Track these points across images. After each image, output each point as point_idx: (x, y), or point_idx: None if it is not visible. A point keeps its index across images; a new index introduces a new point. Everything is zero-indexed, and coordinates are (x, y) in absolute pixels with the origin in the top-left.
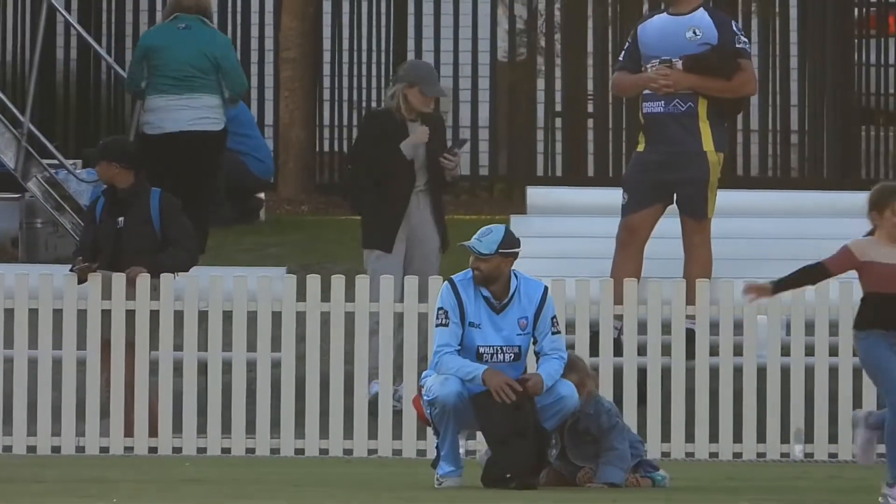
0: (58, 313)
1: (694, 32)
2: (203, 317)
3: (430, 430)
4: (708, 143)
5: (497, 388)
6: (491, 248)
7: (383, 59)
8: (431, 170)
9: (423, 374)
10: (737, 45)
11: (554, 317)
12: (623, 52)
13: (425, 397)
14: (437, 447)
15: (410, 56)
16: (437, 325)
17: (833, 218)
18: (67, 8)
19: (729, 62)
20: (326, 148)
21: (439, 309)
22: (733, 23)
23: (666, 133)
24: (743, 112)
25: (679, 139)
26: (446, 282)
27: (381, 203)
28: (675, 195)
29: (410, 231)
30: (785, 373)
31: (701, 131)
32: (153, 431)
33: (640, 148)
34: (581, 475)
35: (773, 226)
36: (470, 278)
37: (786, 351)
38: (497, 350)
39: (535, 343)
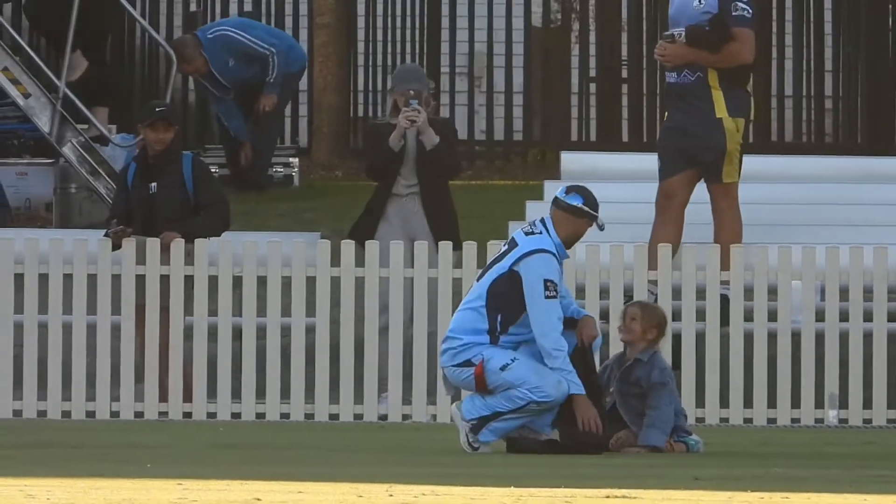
0: (92, 278)
1: (699, 1)
2: (237, 282)
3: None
4: (721, 110)
5: (587, 420)
6: (603, 224)
7: (417, 25)
8: (422, 170)
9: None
10: (732, 14)
11: None
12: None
13: (533, 395)
14: (486, 416)
15: (445, 21)
16: (547, 297)
17: (867, 183)
18: None
19: (722, 32)
20: (360, 113)
21: (549, 282)
22: None
23: (681, 102)
24: (777, 77)
25: (693, 108)
26: (548, 254)
27: (372, 199)
28: (697, 161)
29: (408, 236)
30: (819, 338)
31: (713, 99)
32: (187, 396)
33: (666, 116)
34: (615, 441)
35: (807, 191)
36: (551, 243)
37: (820, 316)
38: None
39: None
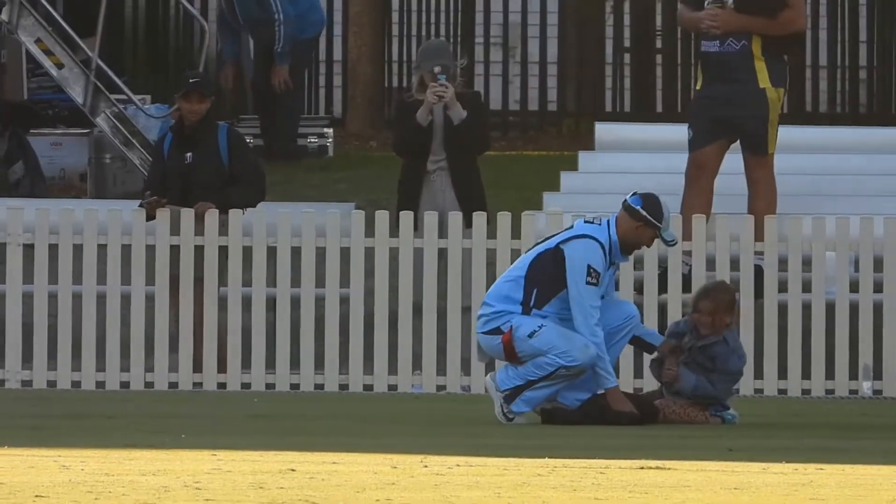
0: (126, 249)
1: None
2: (272, 252)
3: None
4: (765, 80)
5: (622, 417)
6: (675, 240)
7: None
8: (450, 145)
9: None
10: None
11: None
12: None
13: (561, 360)
14: (519, 385)
15: None
16: (588, 283)
17: None
18: None
19: None
20: (395, 83)
21: (592, 269)
22: None
23: (723, 71)
24: (811, 47)
25: (736, 77)
26: (596, 243)
27: (404, 181)
28: (735, 131)
29: (440, 215)
30: (854, 309)
31: (756, 69)
32: (222, 367)
33: (699, 86)
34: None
35: (841, 162)
36: (607, 238)
37: (854, 287)
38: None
39: None
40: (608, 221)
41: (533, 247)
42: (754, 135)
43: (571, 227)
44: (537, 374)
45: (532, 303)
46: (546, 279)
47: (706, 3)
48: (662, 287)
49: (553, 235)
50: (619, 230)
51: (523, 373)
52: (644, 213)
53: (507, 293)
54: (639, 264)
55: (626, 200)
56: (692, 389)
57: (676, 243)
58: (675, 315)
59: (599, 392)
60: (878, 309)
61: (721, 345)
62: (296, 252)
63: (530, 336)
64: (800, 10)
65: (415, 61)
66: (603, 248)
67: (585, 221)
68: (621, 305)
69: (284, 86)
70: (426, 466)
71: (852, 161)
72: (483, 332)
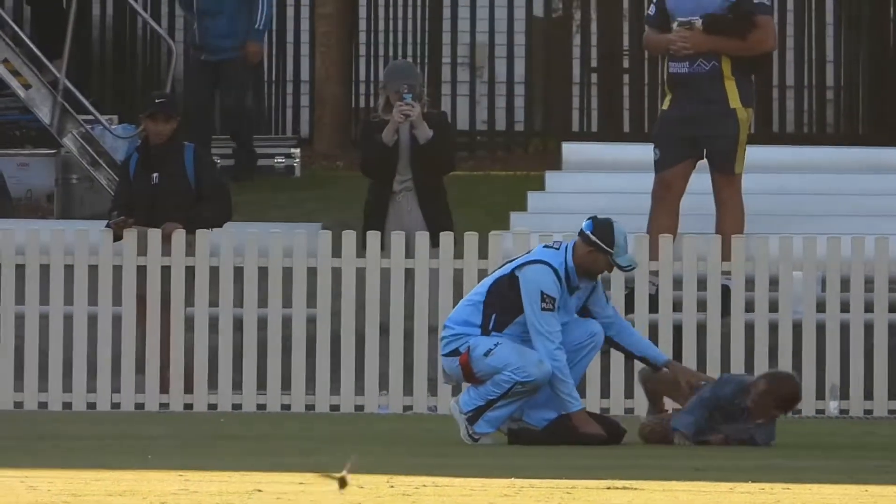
0: (93, 269)
1: None
2: (238, 273)
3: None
4: (735, 101)
5: (589, 438)
6: (635, 265)
7: (419, 14)
8: (416, 165)
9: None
10: (754, 1)
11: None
12: (652, 7)
13: (516, 376)
14: (480, 406)
15: (446, 11)
16: (543, 309)
17: (868, 174)
18: None
19: (745, 20)
20: (362, 104)
21: (546, 294)
22: None
23: (693, 92)
24: (778, 67)
25: (706, 98)
26: (548, 268)
27: (370, 202)
28: (704, 151)
29: (407, 235)
30: (820, 329)
31: (727, 89)
32: (189, 387)
33: (666, 105)
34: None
35: (808, 181)
36: (562, 264)
37: (821, 307)
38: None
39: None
40: (567, 246)
41: (496, 269)
42: (723, 155)
43: (531, 251)
44: (495, 392)
45: (491, 327)
46: (504, 304)
47: (674, 25)
48: (629, 307)
49: (513, 259)
50: (575, 255)
51: (483, 392)
52: (594, 238)
53: (467, 317)
54: (606, 284)
55: (582, 226)
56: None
57: (633, 268)
58: (641, 333)
59: (565, 412)
60: (844, 329)
61: (758, 429)
62: (263, 272)
63: (486, 355)
64: (769, 30)
65: (381, 81)
66: (556, 273)
67: (545, 246)
68: (585, 324)
69: (258, 60)
70: (392, 487)
71: (819, 181)
72: (444, 355)
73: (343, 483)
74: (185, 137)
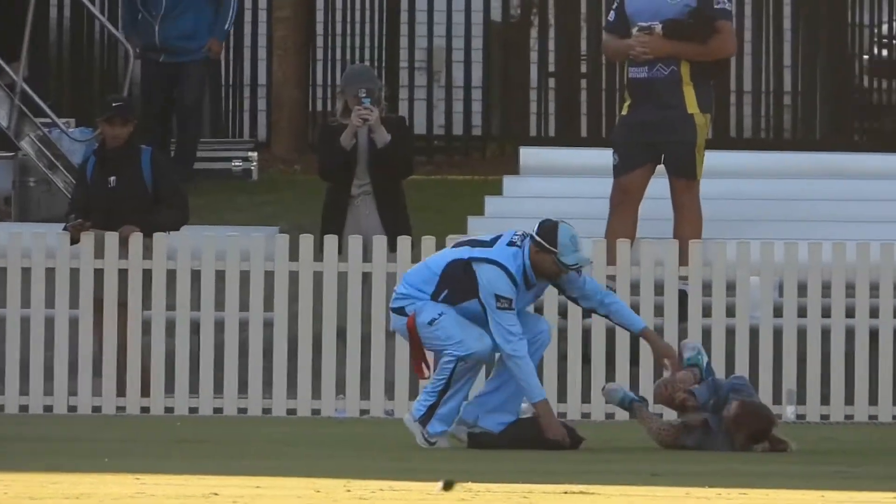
0: (50, 272)
1: None
2: (196, 276)
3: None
4: (693, 106)
5: (555, 435)
6: (584, 261)
7: (377, 18)
8: (374, 169)
9: (426, 308)
10: (715, 6)
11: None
12: (612, 13)
13: (456, 351)
14: (431, 405)
15: (404, 16)
16: (499, 309)
17: (825, 179)
18: None
19: (706, 25)
20: (320, 107)
21: (500, 297)
22: None
23: (651, 97)
24: (735, 72)
25: (664, 103)
26: (500, 270)
27: (328, 205)
28: (662, 156)
29: (365, 239)
30: (777, 334)
31: (685, 94)
32: (145, 391)
33: (625, 111)
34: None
35: (765, 187)
36: (520, 266)
37: (778, 312)
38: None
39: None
40: (526, 246)
41: (458, 244)
42: (682, 160)
43: (500, 236)
44: (441, 379)
45: (440, 300)
46: (456, 286)
47: (634, 30)
48: (586, 312)
49: (476, 241)
50: (530, 257)
51: (430, 388)
52: (538, 239)
53: (422, 285)
54: None
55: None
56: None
57: (581, 266)
58: (598, 339)
59: (524, 416)
60: (801, 334)
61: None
62: (220, 276)
63: (430, 324)
64: (730, 35)
65: (339, 85)
66: (511, 275)
67: (509, 242)
68: (534, 322)
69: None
70: (349, 490)
71: (776, 186)
72: (392, 309)
73: (448, 485)
74: (143, 141)
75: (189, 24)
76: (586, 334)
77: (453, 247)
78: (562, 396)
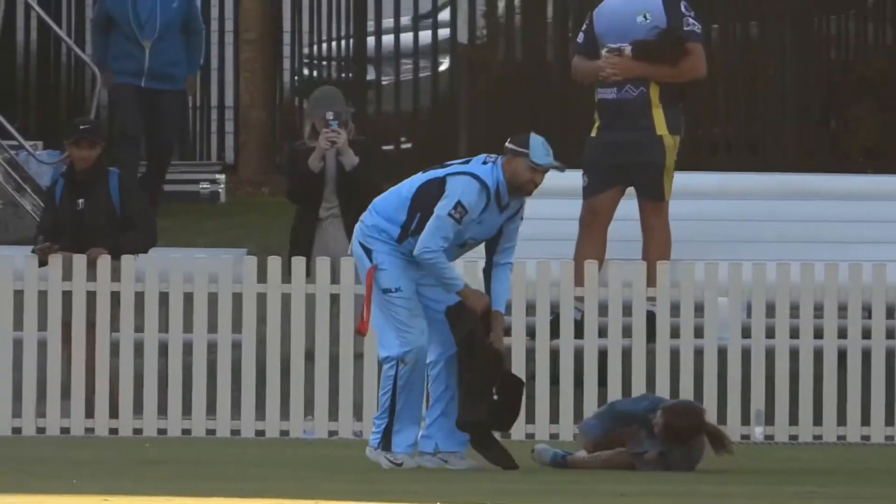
0: (18, 294)
1: (644, 16)
2: (164, 298)
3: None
4: (662, 128)
5: (481, 308)
6: (555, 164)
7: (343, 41)
8: (342, 192)
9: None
10: (685, 28)
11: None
12: (581, 35)
13: (390, 352)
14: (385, 427)
15: (370, 39)
16: (449, 215)
17: (794, 200)
18: None
19: (677, 47)
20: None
21: (461, 204)
22: (683, 4)
23: (620, 119)
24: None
25: (633, 124)
26: (476, 182)
27: (296, 228)
28: (631, 178)
29: (332, 261)
30: (746, 355)
31: (654, 116)
32: (114, 412)
33: (594, 132)
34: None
35: (735, 208)
36: (494, 180)
37: (746, 333)
38: (478, 242)
39: (499, 236)
40: (499, 161)
41: (431, 169)
42: (651, 182)
43: (469, 161)
44: (385, 393)
45: (412, 228)
46: (430, 205)
47: (603, 51)
48: (555, 332)
49: (450, 164)
50: (506, 170)
51: (378, 413)
52: (510, 145)
53: (393, 213)
54: (531, 309)
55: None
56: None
57: (556, 166)
58: (566, 360)
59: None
60: (770, 354)
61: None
62: (188, 298)
63: (384, 292)
64: (700, 57)
65: (307, 108)
66: (485, 187)
67: (483, 162)
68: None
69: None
70: None
71: (745, 207)
72: (359, 240)
73: None
74: (113, 163)
75: (177, 52)
76: (554, 354)
77: (424, 172)
78: (530, 417)
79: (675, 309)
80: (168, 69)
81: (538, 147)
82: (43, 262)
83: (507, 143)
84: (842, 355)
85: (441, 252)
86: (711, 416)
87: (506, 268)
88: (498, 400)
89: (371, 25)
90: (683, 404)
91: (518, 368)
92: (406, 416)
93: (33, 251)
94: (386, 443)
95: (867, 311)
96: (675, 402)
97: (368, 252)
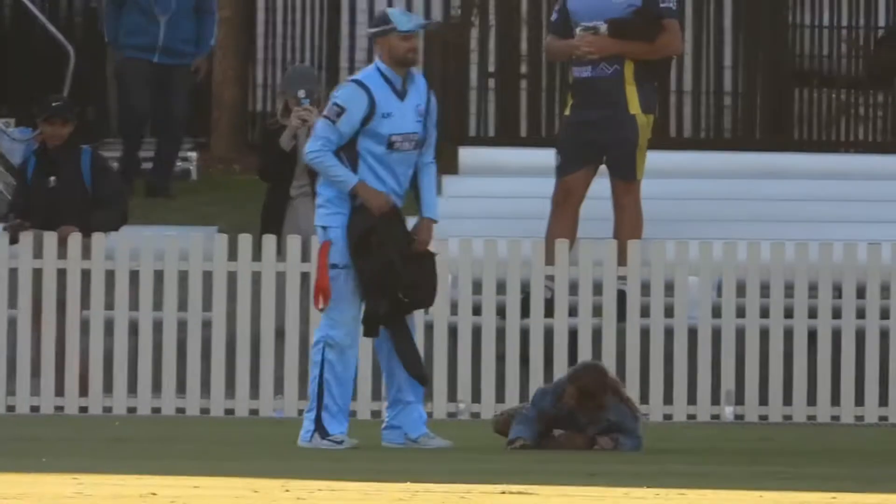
0: None
1: None
2: (134, 276)
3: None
4: (635, 106)
5: (378, 208)
6: (421, 23)
7: (317, 19)
8: (313, 170)
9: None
10: (661, 5)
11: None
12: (555, 14)
13: (320, 335)
14: (315, 418)
15: (345, 15)
16: (324, 117)
17: (765, 179)
18: None
19: (653, 24)
20: (259, 107)
21: (336, 105)
22: None
23: (594, 97)
24: (676, 72)
25: (607, 102)
26: (353, 83)
27: (267, 206)
28: (604, 157)
29: (303, 239)
30: (716, 334)
31: (627, 94)
32: (84, 391)
33: (568, 111)
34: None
35: (705, 187)
36: (373, 73)
37: (717, 312)
38: (404, 137)
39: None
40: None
41: None
42: (623, 160)
43: None
44: (313, 379)
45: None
46: None
47: (578, 30)
48: (525, 312)
49: None
50: (384, 56)
51: (308, 405)
52: (372, 30)
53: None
54: (501, 289)
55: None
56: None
57: (424, 24)
58: (536, 340)
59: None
60: (740, 334)
61: (609, 426)
62: (158, 276)
63: (331, 267)
64: (676, 34)
65: (280, 86)
66: (358, 82)
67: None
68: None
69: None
70: (287, 491)
71: (716, 186)
72: (319, 209)
73: None
74: (115, 138)
75: (191, 29)
76: (524, 334)
77: None
78: (500, 397)
79: (645, 288)
80: (181, 45)
81: (398, 16)
82: (14, 240)
83: (368, 30)
84: (812, 335)
85: (322, 152)
86: (681, 397)
87: (429, 167)
88: (406, 299)
89: (345, 3)
90: (583, 365)
91: (488, 348)
92: (338, 398)
93: (4, 229)
94: (321, 430)
95: (837, 291)
96: (578, 365)
97: (322, 216)
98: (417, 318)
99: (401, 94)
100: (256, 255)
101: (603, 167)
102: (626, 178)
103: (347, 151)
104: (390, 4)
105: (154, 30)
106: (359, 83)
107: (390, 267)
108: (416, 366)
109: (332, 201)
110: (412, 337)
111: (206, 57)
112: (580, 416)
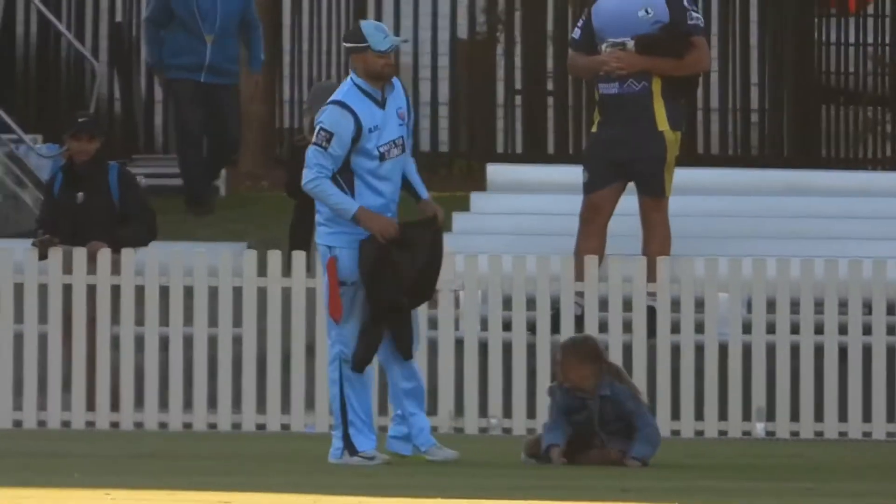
0: (18, 288)
1: (646, 11)
2: (164, 292)
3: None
4: (663, 123)
5: (381, 231)
6: (396, 41)
7: (342, 36)
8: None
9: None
10: (689, 23)
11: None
12: (577, 31)
13: (333, 350)
14: (343, 435)
15: None
16: (315, 144)
17: (792, 196)
18: None
19: (681, 40)
20: (286, 124)
21: (323, 130)
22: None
23: (622, 113)
24: (703, 90)
25: (635, 119)
26: (334, 104)
27: (296, 222)
28: (632, 173)
29: None
30: (746, 351)
31: (655, 111)
32: (115, 406)
33: (595, 127)
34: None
35: (733, 204)
36: (351, 89)
37: (747, 329)
38: (392, 144)
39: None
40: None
41: None
42: (651, 177)
43: None
44: (334, 394)
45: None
46: None
47: (604, 46)
48: (555, 328)
49: None
50: (356, 70)
51: (335, 422)
52: (346, 44)
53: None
54: (531, 304)
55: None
56: (652, 448)
57: (399, 42)
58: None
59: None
60: (770, 350)
61: (608, 403)
62: (188, 291)
63: (341, 283)
64: (705, 51)
65: (306, 102)
66: (341, 104)
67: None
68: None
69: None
70: None
71: (744, 203)
72: (318, 227)
73: None
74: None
75: (235, 47)
76: (555, 350)
77: None
78: (531, 412)
79: (675, 304)
80: (227, 64)
81: (373, 34)
82: (43, 256)
83: (344, 44)
84: (842, 351)
85: (320, 179)
86: (712, 413)
87: (408, 160)
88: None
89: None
90: (572, 338)
91: (518, 364)
92: (360, 411)
93: (33, 244)
94: (351, 448)
95: (867, 308)
96: (567, 339)
97: (325, 234)
98: (446, 336)
99: (381, 104)
100: (286, 270)
101: (631, 184)
102: (654, 194)
103: (342, 172)
104: (416, 21)
105: (201, 49)
106: (340, 104)
107: (402, 288)
108: (405, 344)
109: (333, 220)
110: (411, 323)
111: (259, 72)
112: (585, 397)
